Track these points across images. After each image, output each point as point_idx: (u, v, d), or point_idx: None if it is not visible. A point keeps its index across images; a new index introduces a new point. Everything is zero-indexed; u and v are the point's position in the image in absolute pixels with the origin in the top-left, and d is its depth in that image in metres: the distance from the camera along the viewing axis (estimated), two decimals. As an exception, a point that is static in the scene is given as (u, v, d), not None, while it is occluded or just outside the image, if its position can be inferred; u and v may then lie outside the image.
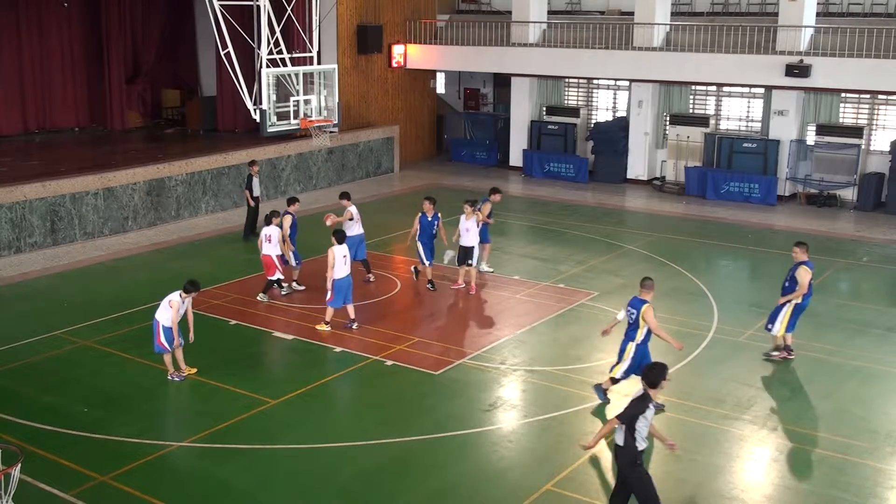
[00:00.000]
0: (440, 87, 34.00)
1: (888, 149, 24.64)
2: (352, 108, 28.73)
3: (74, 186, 20.79)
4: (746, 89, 26.70)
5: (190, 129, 30.05)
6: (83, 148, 26.96)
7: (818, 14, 25.29)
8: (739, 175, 25.90)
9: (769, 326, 14.17)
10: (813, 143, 25.61)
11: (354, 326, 15.40)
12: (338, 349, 14.65)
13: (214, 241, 21.47)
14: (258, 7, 21.77)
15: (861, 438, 11.73)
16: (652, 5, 26.44)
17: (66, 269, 19.01)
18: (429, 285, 17.60)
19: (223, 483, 10.69)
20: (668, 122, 28.07)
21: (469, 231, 17.08)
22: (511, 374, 13.77)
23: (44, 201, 20.20)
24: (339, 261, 15.04)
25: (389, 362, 14.10)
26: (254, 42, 22.48)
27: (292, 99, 21.75)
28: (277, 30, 22.06)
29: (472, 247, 17.20)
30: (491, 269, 18.65)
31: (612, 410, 12.51)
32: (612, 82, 29.59)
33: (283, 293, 17.10)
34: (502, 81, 31.97)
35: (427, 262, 17.38)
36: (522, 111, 30.23)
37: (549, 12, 29.77)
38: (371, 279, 18.00)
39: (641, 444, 9.06)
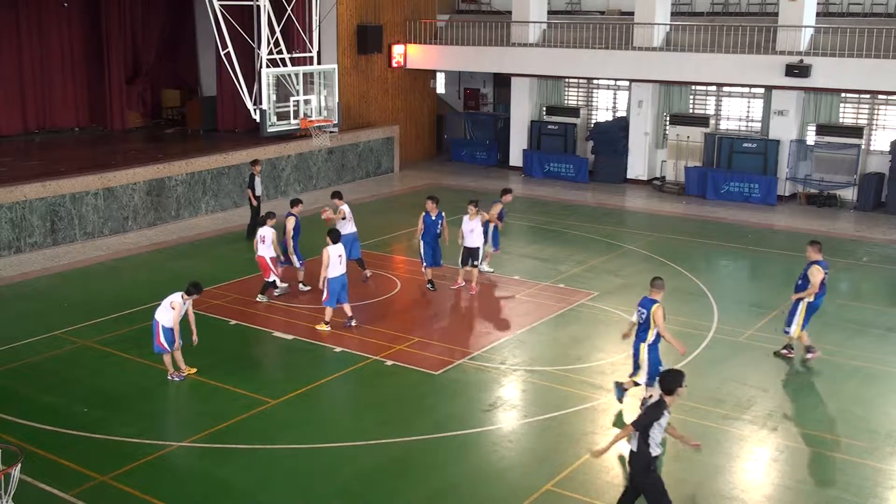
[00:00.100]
0: (440, 87, 33.99)
1: (888, 149, 24.64)
2: (352, 108, 28.73)
3: (74, 186, 20.79)
4: (746, 89, 26.70)
5: (190, 129, 30.04)
6: (83, 148, 26.95)
7: (818, 14, 25.29)
8: (739, 175, 25.91)
9: (787, 329, 14.10)
10: (813, 143, 25.62)
11: (353, 323, 15.41)
12: (338, 349, 14.65)
13: (214, 241, 21.47)
14: (258, 7, 21.77)
15: (861, 438, 11.73)
16: (652, 5, 26.44)
17: (66, 269, 19.01)
18: (429, 285, 17.60)
19: (223, 483, 10.69)
20: (668, 122, 28.07)
21: (473, 232, 17.06)
22: (511, 374, 13.77)
23: (44, 201, 20.20)
24: (335, 260, 15.04)
25: (389, 362, 14.10)
26: (254, 42, 22.48)
27: (292, 99, 21.75)
28: (277, 30, 22.06)
29: (477, 247, 17.18)
30: (491, 270, 18.64)
31: (613, 410, 12.56)
32: (612, 82, 29.60)
33: (276, 293, 17.04)
34: (502, 81, 31.96)
35: (426, 263, 17.37)
36: (522, 111, 30.23)
37: (549, 12, 29.77)
38: (368, 275, 18.00)
39: (655, 451, 8.95)
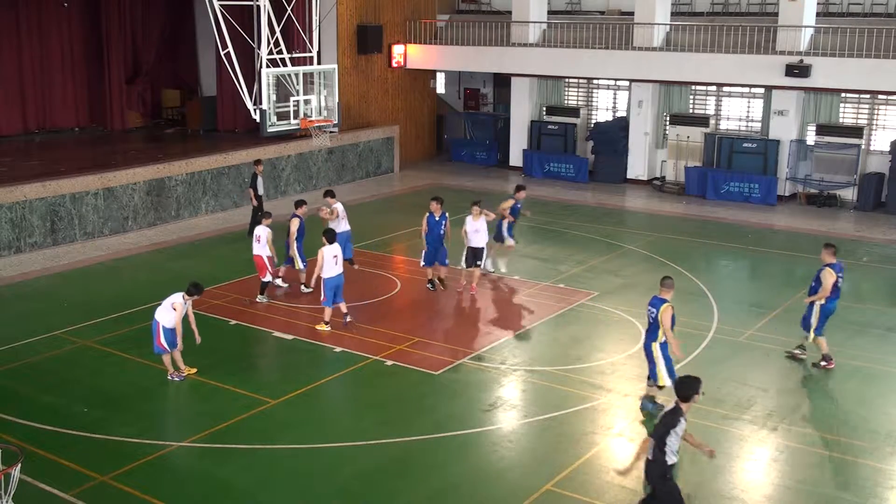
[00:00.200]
0: (440, 87, 33.99)
1: (888, 149, 24.64)
2: (352, 108, 28.73)
3: (74, 186, 20.80)
4: (746, 89, 26.70)
5: (190, 129, 30.04)
6: (83, 148, 26.96)
7: (818, 14, 25.30)
8: (739, 175, 25.90)
9: (806, 335, 13.98)
10: (813, 143, 25.62)
11: (348, 319, 15.42)
12: (338, 349, 14.65)
13: (214, 241, 21.47)
14: (258, 7, 21.77)
15: (861, 438, 11.73)
16: (652, 5, 26.44)
17: (66, 269, 19.01)
18: (429, 285, 17.59)
19: (223, 483, 10.69)
20: (668, 122, 28.07)
21: (479, 232, 17.05)
22: (511, 374, 13.77)
23: (44, 201, 20.20)
24: (329, 261, 15.02)
25: (389, 362, 14.10)
26: (254, 42, 22.49)
27: (292, 99, 21.75)
28: (277, 30, 22.06)
29: (481, 248, 17.18)
30: (496, 271, 18.58)
31: (613, 410, 12.56)
32: (612, 82, 29.60)
33: (277, 292, 16.98)
34: (502, 81, 31.96)
35: (424, 263, 17.35)
36: (522, 111, 30.23)
37: (549, 12, 29.77)
38: (355, 268, 18.09)
39: (671, 459, 8.86)
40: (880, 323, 16.01)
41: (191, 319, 13.31)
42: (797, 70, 23.78)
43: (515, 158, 30.46)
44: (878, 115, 25.41)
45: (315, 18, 23.49)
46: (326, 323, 15.33)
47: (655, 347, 12.02)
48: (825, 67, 23.76)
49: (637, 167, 28.50)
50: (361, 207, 24.76)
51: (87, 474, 10.68)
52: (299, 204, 17.44)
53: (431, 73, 32.53)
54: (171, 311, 13.00)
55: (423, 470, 11.03)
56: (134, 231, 21.93)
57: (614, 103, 29.93)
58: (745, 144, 26.10)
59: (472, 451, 11.46)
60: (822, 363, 13.92)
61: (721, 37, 25.64)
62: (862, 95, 25.21)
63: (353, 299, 16.61)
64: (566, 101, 30.63)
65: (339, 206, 17.72)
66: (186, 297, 13.11)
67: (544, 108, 30.53)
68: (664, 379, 12.02)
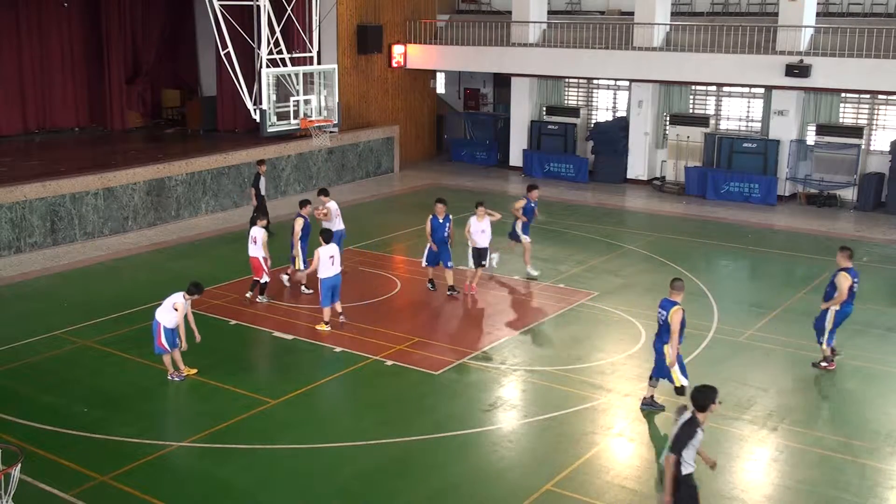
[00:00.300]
0: (440, 87, 33.99)
1: (888, 149, 24.64)
2: (352, 108, 28.73)
3: (74, 186, 20.80)
4: (746, 89, 26.70)
5: (190, 129, 30.04)
6: (83, 148, 26.96)
7: (818, 14, 25.30)
8: (739, 175, 25.90)
9: (821, 340, 13.88)
10: (813, 143, 25.62)
11: (342, 320, 15.41)
12: (338, 349, 14.65)
13: (214, 241, 21.47)
14: (258, 7, 21.77)
15: (861, 438, 11.73)
16: (652, 5, 26.45)
17: (66, 269, 19.01)
18: (429, 285, 17.59)
19: (223, 483, 10.69)
20: (668, 122, 28.07)
21: (485, 233, 17.03)
22: (511, 374, 13.77)
23: (44, 201, 20.20)
24: (325, 261, 15.00)
25: (389, 362, 14.10)
26: (254, 42, 22.49)
27: (292, 99, 21.75)
28: (277, 30, 22.06)
29: (486, 248, 17.17)
30: (536, 274, 18.38)
31: (613, 410, 12.56)
32: (612, 82, 29.59)
33: (247, 295, 16.82)
34: (502, 81, 31.96)
35: (426, 263, 17.34)
36: (522, 111, 30.23)
37: (549, 12, 29.77)
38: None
39: (688, 469, 8.72)
40: (880, 323, 16.01)
41: (189, 319, 13.30)
42: (797, 70, 23.78)
43: (515, 158, 30.46)
44: (878, 115, 25.41)
45: (315, 18, 23.50)
46: (326, 323, 15.32)
47: (666, 350, 11.97)
48: (825, 67, 23.76)
49: (637, 167, 28.50)
50: (361, 207, 24.77)
51: (87, 474, 10.68)
52: (304, 204, 17.41)
53: (431, 73, 32.53)
54: (171, 312, 12.99)
55: (423, 470, 11.03)
56: (134, 231, 21.93)
57: (614, 103, 29.93)
58: (745, 144, 26.10)
59: (472, 451, 11.45)
60: (822, 363, 13.91)
61: (721, 37, 25.64)
62: (862, 95, 25.21)
63: (353, 299, 16.62)
64: (566, 101, 30.63)
65: (332, 205, 17.71)
66: (187, 296, 13.11)
67: (544, 108, 30.52)
68: (680, 379, 11.95)
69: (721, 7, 28.98)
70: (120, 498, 10.24)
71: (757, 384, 13.37)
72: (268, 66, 21.55)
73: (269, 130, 21.55)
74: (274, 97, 21.38)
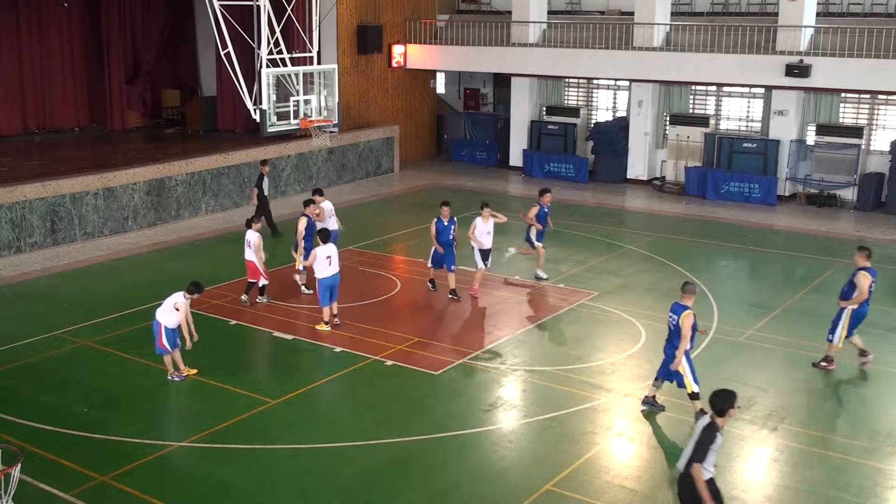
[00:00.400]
0: (440, 87, 33.99)
1: (888, 149, 24.63)
2: (352, 108, 28.73)
3: (74, 186, 20.79)
4: (746, 89, 26.70)
5: (190, 129, 30.03)
6: (83, 148, 26.95)
7: (818, 14, 25.30)
8: (739, 175, 25.90)
9: (830, 337, 13.85)
10: (813, 143, 25.62)
11: (336, 321, 15.40)
12: (338, 349, 14.65)
13: (214, 241, 21.47)
14: (258, 7, 21.78)
15: (861, 438, 11.73)
16: (652, 5, 26.44)
17: (66, 269, 19.01)
18: (429, 285, 17.59)
19: (223, 483, 10.69)
20: (668, 122, 28.07)
21: (490, 234, 16.98)
22: (511, 374, 13.77)
23: (44, 201, 20.20)
24: (323, 262, 14.99)
25: (389, 362, 14.10)
26: (254, 42, 22.50)
27: (292, 99, 21.76)
28: (277, 30, 22.07)
29: (490, 249, 17.14)
30: (546, 277, 18.30)
31: (613, 410, 12.55)
32: (612, 82, 29.59)
33: (242, 297, 16.71)
34: (502, 81, 31.96)
35: (431, 264, 17.32)
36: (522, 111, 30.23)
37: (549, 12, 29.77)
38: None
39: (707, 474, 8.65)
40: (881, 323, 16.00)
41: (188, 319, 13.26)
42: (797, 70, 23.78)
43: (515, 158, 30.46)
44: (878, 115, 25.41)
45: (315, 18, 23.51)
46: (326, 323, 15.32)
47: (678, 355, 11.90)
48: (825, 67, 23.76)
49: (637, 167, 28.50)
50: (361, 207, 24.78)
51: (87, 474, 10.67)
52: (308, 203, 17.41)
53: (431, 73, 32.53)
54: (172, 312, 12.98)
55: (423, 470, 11.02)
56: (134, 231, 21.93)
57: (614, 103, 29.92)
58: (745, 144, 26.10)
59: (472, 451, 11.45)
60: (823, 363, 13.91)
61: (721, 37, 25.63)
62: (862, 95, 25.21)
63: (353, 299, 16.63)
64: (566, 101, 30.63)
65: (326, 205, 17.69)
66: (187, 295, 13.10)
67: (544, 108, 30.52)
68: (692, 385, 11.88)
69: (721, 7, 28.98)
70: (120, 498, 10.24)
71: (757, 384, 13.37)
72: (268, 66, 21.55)
73: (269, 130, 21.56)
74: (274, 97, 21.38)
